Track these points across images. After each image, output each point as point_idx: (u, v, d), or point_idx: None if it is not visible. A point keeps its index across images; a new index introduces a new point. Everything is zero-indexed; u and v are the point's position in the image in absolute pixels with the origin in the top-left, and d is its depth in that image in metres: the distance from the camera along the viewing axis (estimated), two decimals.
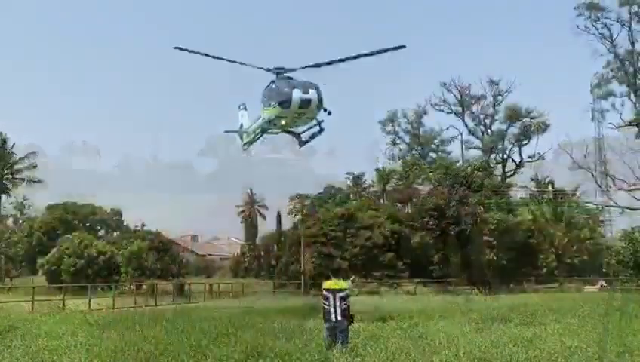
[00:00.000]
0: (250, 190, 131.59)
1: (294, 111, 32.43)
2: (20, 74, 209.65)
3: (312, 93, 31.67)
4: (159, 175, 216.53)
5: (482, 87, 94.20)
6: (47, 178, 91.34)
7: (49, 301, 46.57)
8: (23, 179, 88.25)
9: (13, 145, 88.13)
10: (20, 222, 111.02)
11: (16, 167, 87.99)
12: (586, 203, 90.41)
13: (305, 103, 31.79)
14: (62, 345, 16.35)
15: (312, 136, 36.72)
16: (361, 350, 15.60)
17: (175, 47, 33.57)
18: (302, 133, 36.55)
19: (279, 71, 33.62)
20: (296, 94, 31.56)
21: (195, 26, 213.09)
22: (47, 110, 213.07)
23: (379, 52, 34.17)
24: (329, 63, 33.56)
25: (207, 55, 34.11)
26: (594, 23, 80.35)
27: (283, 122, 34.21)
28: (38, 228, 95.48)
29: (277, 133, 38.11)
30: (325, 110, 33.70)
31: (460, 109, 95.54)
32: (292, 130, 36.48)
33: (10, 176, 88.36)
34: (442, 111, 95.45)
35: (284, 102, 32.15)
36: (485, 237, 70.65)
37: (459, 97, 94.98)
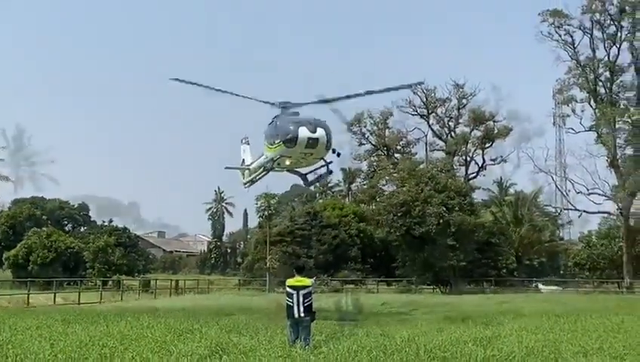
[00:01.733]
0: (218, 188, 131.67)
1: (301, 151, 30.59)
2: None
3: (319, 132, 29.80)
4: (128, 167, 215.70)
5: (447, 90, 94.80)
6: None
7: (14, 295, 45.89)
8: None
9: None
10: None
11: None
12: (546, 206, 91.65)
13: (312, 143, 29.89)
14: (26, 339, 16.20)
15: (320, 178, 34.94)
16: (323, 347, 15.66)
17: (172, 79, 31.43)
18: (308, 173, 34.89)
19: (285, 105, 31.84)
20: (303, 133, 29.71)
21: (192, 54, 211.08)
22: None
23: (396, 88, 32.75)
24: (339, 99, 31.78)
25: (207, 87, 32.17)
26: (557, 30, 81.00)
27: (288, 162, 32.36)
28: (4, 222, 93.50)
29: (281, 171, 35.93)
30: (334, 151, 31.99)
31: (425, 112, 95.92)
32: (297, 169, 34.61)
33: None
34: (408, 113, 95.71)
35: (290, 141, 30.23)
36: (448, 239, 71.03)
37: (424, 100, 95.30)
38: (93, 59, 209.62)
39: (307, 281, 16.55)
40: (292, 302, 16.23)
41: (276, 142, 31.48)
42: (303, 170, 34.99)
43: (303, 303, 16.18)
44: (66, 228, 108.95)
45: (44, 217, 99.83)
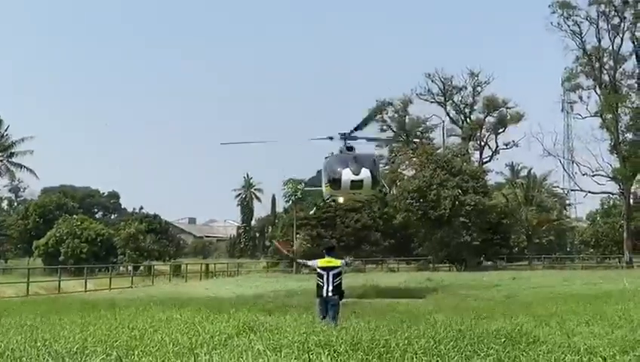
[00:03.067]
0: (247, 174, 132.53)
1: (346, 192, 30.27)
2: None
3: (363, 174, 28.86)
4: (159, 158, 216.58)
5: (463, 78, 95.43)
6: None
7: (45, 282, 45.64)
8: (20, 166, 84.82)
9: (7, 128, 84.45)
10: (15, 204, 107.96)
11: (11, 150, 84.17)
12: (555, 187, 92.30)
13: (356, 185, 29.21)
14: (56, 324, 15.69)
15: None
16: (346, 322, 15.60)
17: (223, 144, 32.01)
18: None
19: (344, 136, 30.42)
20: (346, 176, 28.95)
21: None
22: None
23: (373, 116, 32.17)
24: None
25: (257, 142, 32.63)
26: (566, 21, 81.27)
27: (341, 200, 32.57)
28: (34, 211, 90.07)
29: None
30: (381, 191, 32.14)
31: (442, 99, 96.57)
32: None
33: (4, 160, 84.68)
34: (427, 100, 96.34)
35: (335, 183, 29.75)
36: (462, 218, 71.97)
37: (442, 88, 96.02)
38: (75, 45, 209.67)
39: (337, 262, 16.77)
40: (322, 282, 16.46)
41: (326, 182, 31.03)
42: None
43: (333, 282, 16.39)
44: (97, 216, 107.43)
45: (74, 205, 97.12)
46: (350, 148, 30.48)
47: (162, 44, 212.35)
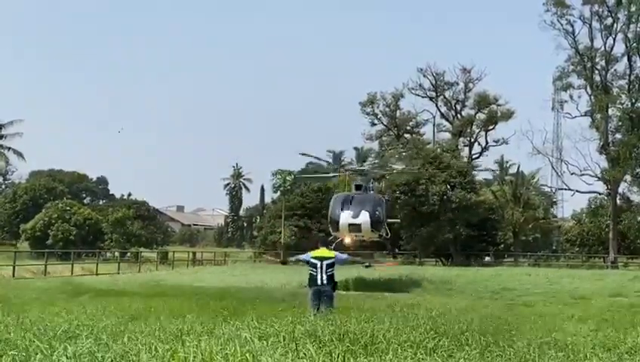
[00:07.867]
0: (237, 164, 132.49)
1: (346, 233, 29.84)
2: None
3: (362, 218, 28.84)
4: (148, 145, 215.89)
5: (455, 74, 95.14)
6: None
7: (33, 266, 45.72)
8: (8, 148, 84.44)
9: None
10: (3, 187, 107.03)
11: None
12: (542, 185, 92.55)
13: (354, 228, 29.24)
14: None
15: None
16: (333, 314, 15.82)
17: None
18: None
19: (360, 171, 31.60)
20: (344, 219, 29.01)
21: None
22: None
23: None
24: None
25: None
26: (559, 19, 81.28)
27: (347, 240, 30.91)
28: (23, 194, 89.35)
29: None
30: (381, 236, 32.03)
31: (434, 94, 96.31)
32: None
33: None
34: (418, 95, 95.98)
35: (334, 225, 29.93)
36: (448, 213, 72.19)
37: (434, 83, 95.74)
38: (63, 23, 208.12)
39: (330, 253, 17.01)
40: (316, 272, 16.56)
41: (328, 221, 31.19)
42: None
43: (326, 272, 16.49)
44: (85, 201, 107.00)
45: (62, 189, 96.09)
46: (359, 187, 30.80)
47: (150, 29, 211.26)
